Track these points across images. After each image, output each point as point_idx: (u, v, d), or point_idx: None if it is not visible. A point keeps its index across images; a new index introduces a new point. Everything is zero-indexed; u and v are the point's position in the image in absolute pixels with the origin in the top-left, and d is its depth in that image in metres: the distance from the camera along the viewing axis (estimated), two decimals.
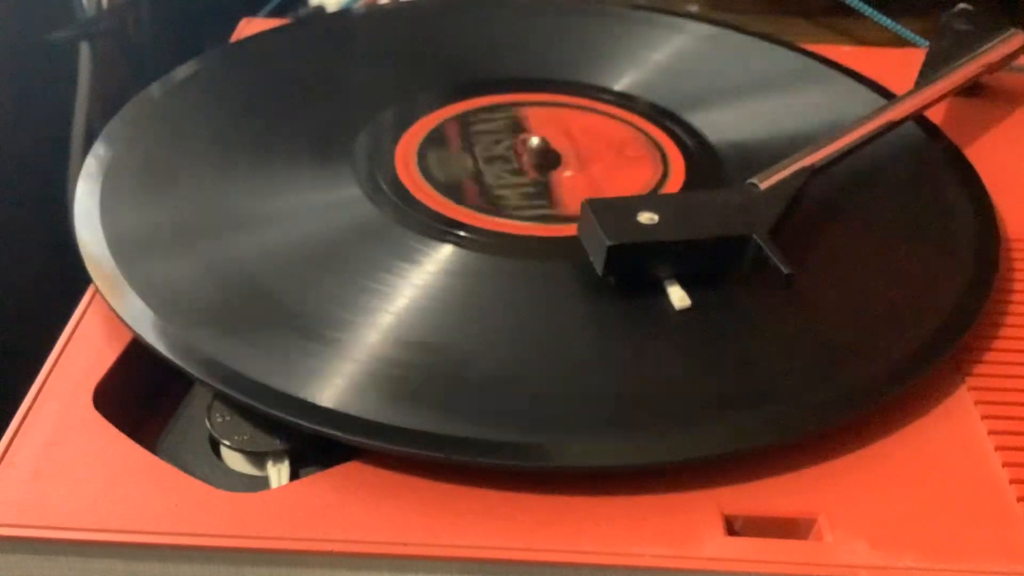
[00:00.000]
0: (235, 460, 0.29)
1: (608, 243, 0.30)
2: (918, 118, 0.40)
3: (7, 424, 0.28)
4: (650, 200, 0.33)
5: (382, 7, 0.50)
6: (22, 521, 0.25)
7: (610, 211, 0.31)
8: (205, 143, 0.38)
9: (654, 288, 0.31)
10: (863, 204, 0.36)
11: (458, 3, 0.49)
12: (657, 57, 0.45)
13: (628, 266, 0.31)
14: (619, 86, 0.43)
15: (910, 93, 0.39)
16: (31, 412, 0.29)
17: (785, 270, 0.30)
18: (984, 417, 0.29)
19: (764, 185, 0.33)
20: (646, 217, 0.31)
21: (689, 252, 0.31)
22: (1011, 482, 0.27)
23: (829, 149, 0.35)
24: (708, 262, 0.31)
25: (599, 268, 0.31)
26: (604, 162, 0.38)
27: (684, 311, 0.30)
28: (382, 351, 0.29)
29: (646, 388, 0.28)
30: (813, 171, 0.34)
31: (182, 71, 0.42)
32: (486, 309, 0.31)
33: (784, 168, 0.34)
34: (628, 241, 0.30)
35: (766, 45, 0.45)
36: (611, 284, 0.31)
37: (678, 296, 0.31)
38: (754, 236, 0.31)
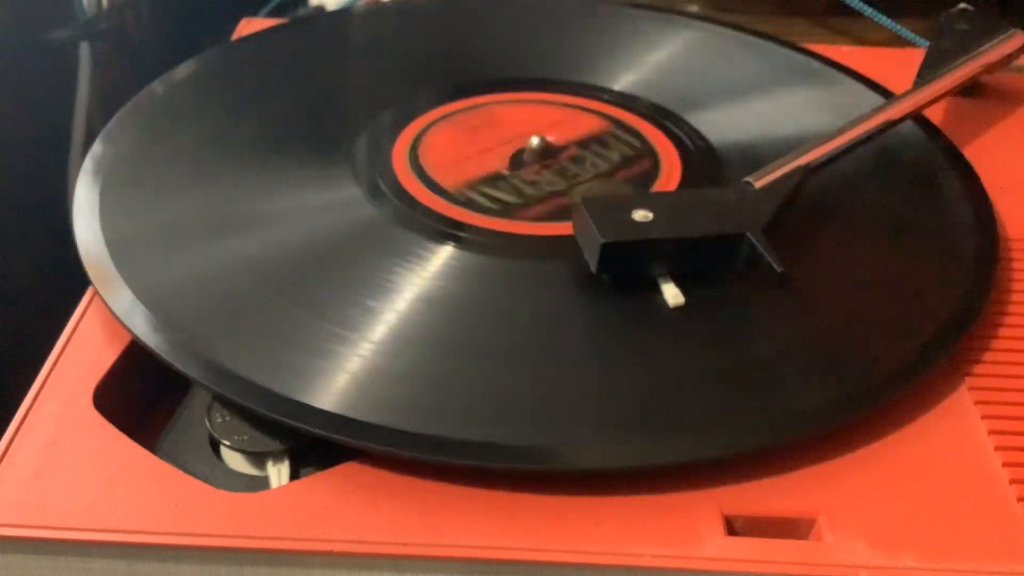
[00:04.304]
0: (235, 460, 0.29)
1: (602, 241, 0.30)
2: (918, 118, 0.40)
3: (7, 424, 0.28)
4: (645, 198, 0.33)
5: (382, 7, 0.50)
6: (22, 521, 0.25)
7: (604, 209, 0.31)
8: (205, 143, 0.38)
9: (653, 287, 0.31)
10: (863, 203, 0.36)
11: (458, 3, 0.49)
12: (657, 57, 0.45)
13: (622, 264, 0.31)
14: (619, 86, 0.43)
15: (908, 92, 0.39)
16: (31, 412, 0.29)
17: (778, 268, 0.30)
18: (984, 417, 0.29)
19: (759, 184, 0.33)
20: (640, 215, 0.31)
21: (683, 250, 0.31)
22: (1011, 482, 0.27)
23: (825, 148, 0.35)
24: (702, 260, 0.31)
25: (593, 266, 0.31)
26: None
27: (684, 312, 0.30)
28: (381, 352, 0.29)
29: (645, 388, 0.28)
30: (808, 170, 0.34)
31: (182, 70, 0.42)
32: (485, 309, 0.31)
33: (779, 167, 0.34)
34: (622, 239, 0.30)
35: (766, 45, 0.45)
36: (605, 281, 0.31)
37: (672, 294, 0.31)
38: (747, 234, 0.31)
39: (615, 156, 0.38)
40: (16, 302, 0.52)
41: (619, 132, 0.39)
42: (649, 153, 0.38)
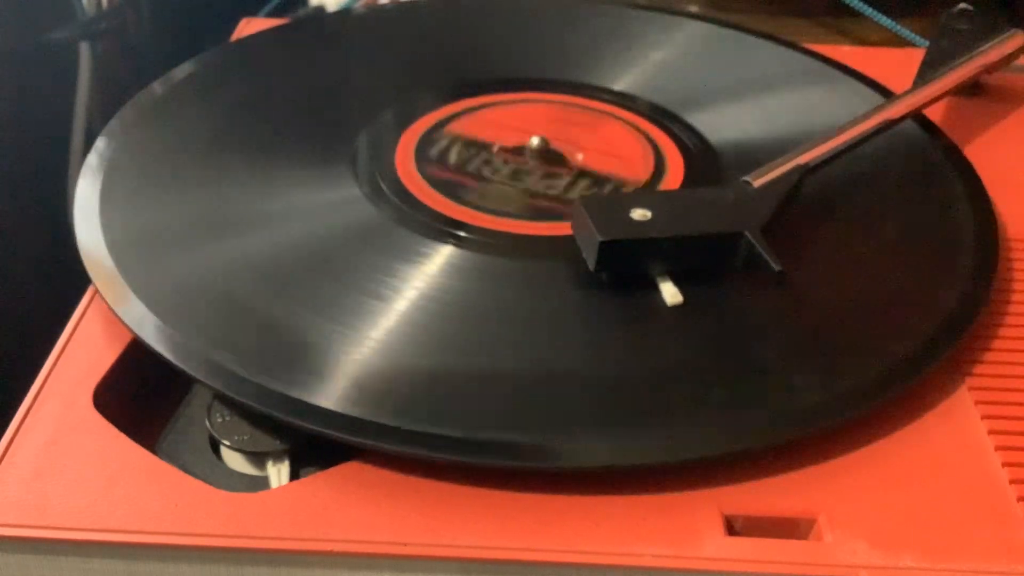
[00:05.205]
0: (235, 460, 0.29)
1: (600, 239, 0.30)
2: (918, 117, 0.40)
3: (7, 424, 0.28)
4: (643, 197, 0.33)
5: (382, 7, 0.51)
6: (22, 521, 0.25)
7: (603, 208, 0.31)
8: (205, 143, 0.38)
9: (652, 286, 0.31)
10: (863, 203, 0.36)
11: (458, 3, 0.49)
12: (657, 57, 0.45)
13: (620, 262, 0.31)
14: (619, 86, 0.43)
15: (908, 92, 0.39)
16: (31, 412, 0.29)
17: (776, 268, 0.30)
18: (984, 417, 0.29)
19: (757, 183, 0.33)
20: (639, 214, 0.31)
21: (681, 249, 0.31)
22: (1011, 482, 0.27)
23: (823, 148, 0.35)
24: (700, 259, 0.31)
25: (591, 264, 0.31)
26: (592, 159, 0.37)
27: (682, 311, 0.30)
28: (381, 351, 0.29)
29: (644, 387, 0.28)
30: (807, 169, 0.34)
31: (182, 71, 0.42)
32: (485, 309, 0.31)
33: (778, 166, 0.34)
34: (620, 237, 0.30)
35: (766, 45, 0.45)
36: (604, 280, 0.31)
37: (670, 293, 0.31)
38: (746, 234, 0.31)
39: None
40: (16, 302, 0.52)
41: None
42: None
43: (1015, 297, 0.33)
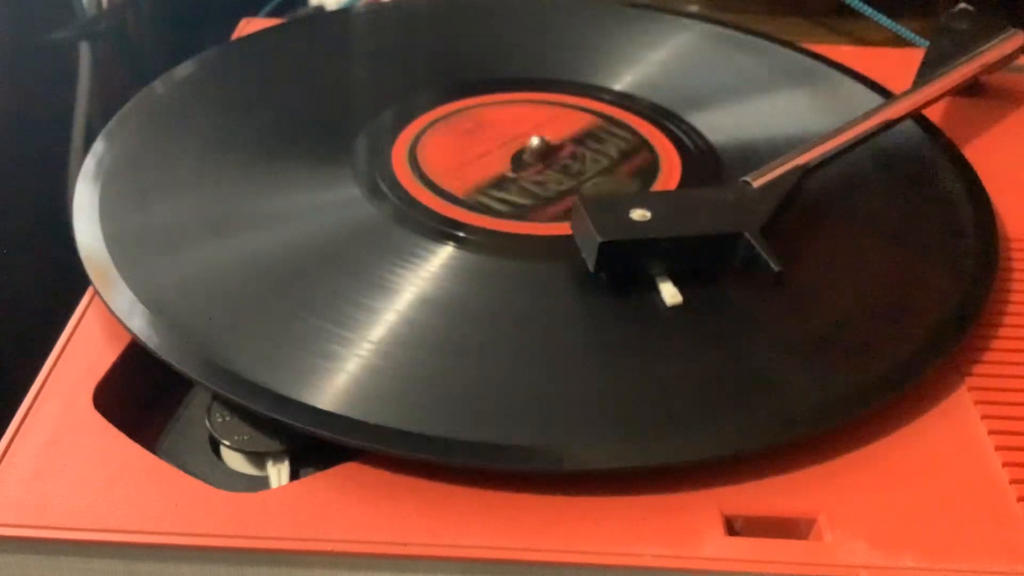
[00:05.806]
0: (235, 460, 0.29)
1: (600, 240, 0.30)
2: (918, 118, 0.40)
3: (7, 424, 0.28)
4: (643, 197, 0.33)
5: (382, 7, 0.51)
6: (22, 521, 0.25)
7: (602, 208, 0.31)
8: (204, 143, 0.38)
9: (651, 286, 0.31)
10: (863, 203, 0.36)
11: (458, 3, 0.49)
12: (657, 57, 0.45)
13: (620, 263, 0.31)
14: (619, 86, 0.43)
15: (908, 92, 0.39)
16: (31, 412, 0.29)
17: (776, 268, 0.30)
18: (984, 417, 0.29)
19: (757, 183, 0.33)
20: (638, 214, 0.31)
21: (681, 249, 0.31)
22: (1011, 482, 0.27)
23: (823, 148, 0.35)
24: (700, 259, 0.31)
25: (591, 265, 0.31)
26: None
27: (681, 311, 0.30)
28: (381, 352, 0.29)
29: (644, 388, 0.28)
30: (807, 170, 0.34)
31: (182, 70, 0.42)
32: (485, 310, 0.31)
33: (777, 166, 0.34)
34: (620, 238, 0.30)
35: (766, 45, 0.45)
36: (603, 281, 0.31)
37: (670, 293, 0.31)
38: (746, 234, 0.31)
39: (612, 151, 0.38)
40: (16, 302, 0.52)
41: (610, 127, 0.39)
42: (644, 145, 0.38)
43: (1015, 297, 0.33)
